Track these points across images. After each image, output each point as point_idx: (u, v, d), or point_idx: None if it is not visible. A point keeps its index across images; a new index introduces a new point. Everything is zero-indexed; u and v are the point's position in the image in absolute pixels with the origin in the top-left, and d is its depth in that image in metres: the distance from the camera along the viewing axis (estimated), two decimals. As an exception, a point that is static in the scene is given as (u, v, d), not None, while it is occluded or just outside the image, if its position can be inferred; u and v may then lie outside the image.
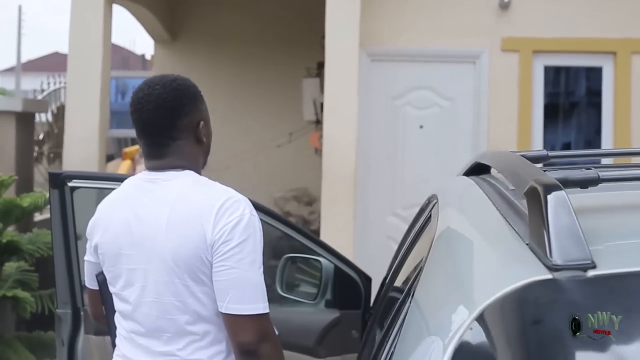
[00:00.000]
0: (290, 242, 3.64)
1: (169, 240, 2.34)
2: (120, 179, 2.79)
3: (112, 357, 2.61)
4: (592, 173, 1.49)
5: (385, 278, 3.86)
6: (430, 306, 1.46)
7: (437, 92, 7.85)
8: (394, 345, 1.64)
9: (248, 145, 9.73)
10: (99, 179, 3.44)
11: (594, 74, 7.89)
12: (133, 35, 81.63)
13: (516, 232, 1.44)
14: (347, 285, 3.75)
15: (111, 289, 2.55)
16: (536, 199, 1.35)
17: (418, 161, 7.84)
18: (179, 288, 2.35)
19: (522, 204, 1.69)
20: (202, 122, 2.51)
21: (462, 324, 1.16)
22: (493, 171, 2.60)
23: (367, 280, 3.80)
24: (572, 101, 8.23)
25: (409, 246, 2.74)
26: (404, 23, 7.73)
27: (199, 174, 2.52)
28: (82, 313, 3.43)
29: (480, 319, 1.16)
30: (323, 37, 8.19)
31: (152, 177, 2.47)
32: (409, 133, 7.86)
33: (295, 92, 9.54)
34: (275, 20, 10.09)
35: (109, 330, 2.73)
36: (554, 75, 8.01)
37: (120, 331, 2.55)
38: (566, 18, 7.68)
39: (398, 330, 1.65)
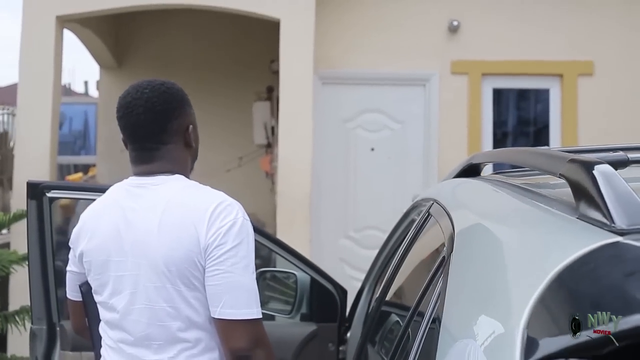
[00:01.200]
0: (265, 252, 3.56)
1: (161, 244, 2.30)
2: (100, 189, 2.72)
3: (93, 371, 2.54)
4: (621, 155, 1.52)
5: (361, 290, 3.84)
6: (477, 295, 1.43)
7: (388, 114, 7.90)
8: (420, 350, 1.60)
9: (198, 170, 9.57)
10: (79, 190, 3.36)
11: (542, 96, 8.04)
12: (72, 64, 80.00)
13: (558, 211, 1.43)
14: (323, 298, 3.72)
15: (97, 298, 2.48)
16: (579, 176, 1.36)
17: (370, 183, 7.88)
18: (171, 293, 2.30)
19: (544, 192, 1.70)
20: (191, 126, 2.50)
21: (532, 295, 1.15)
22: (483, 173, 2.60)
23: (343, 292, 3.78)
24: (520, 123, 8.37)
25: (402, 256, 2.67)
26: (354, 46, 7.79)
27: (188, 178, 2.49)
28: (57, 329, 3.32)
29: (554, 285, 1.15)
30: (272, 61, 8.20)
31: (141, 182, 2.43)
32: (360, 155, 7.89)
33: (244, 117, 9.51)
34: (223, 44, 10.06)
35: (93, 342, 2.66)
36: (502, 97, 8.13)
37: (106, 341, 2.48)
38: (514, 41, 7.83)
39: (423, 340, 1.62)
